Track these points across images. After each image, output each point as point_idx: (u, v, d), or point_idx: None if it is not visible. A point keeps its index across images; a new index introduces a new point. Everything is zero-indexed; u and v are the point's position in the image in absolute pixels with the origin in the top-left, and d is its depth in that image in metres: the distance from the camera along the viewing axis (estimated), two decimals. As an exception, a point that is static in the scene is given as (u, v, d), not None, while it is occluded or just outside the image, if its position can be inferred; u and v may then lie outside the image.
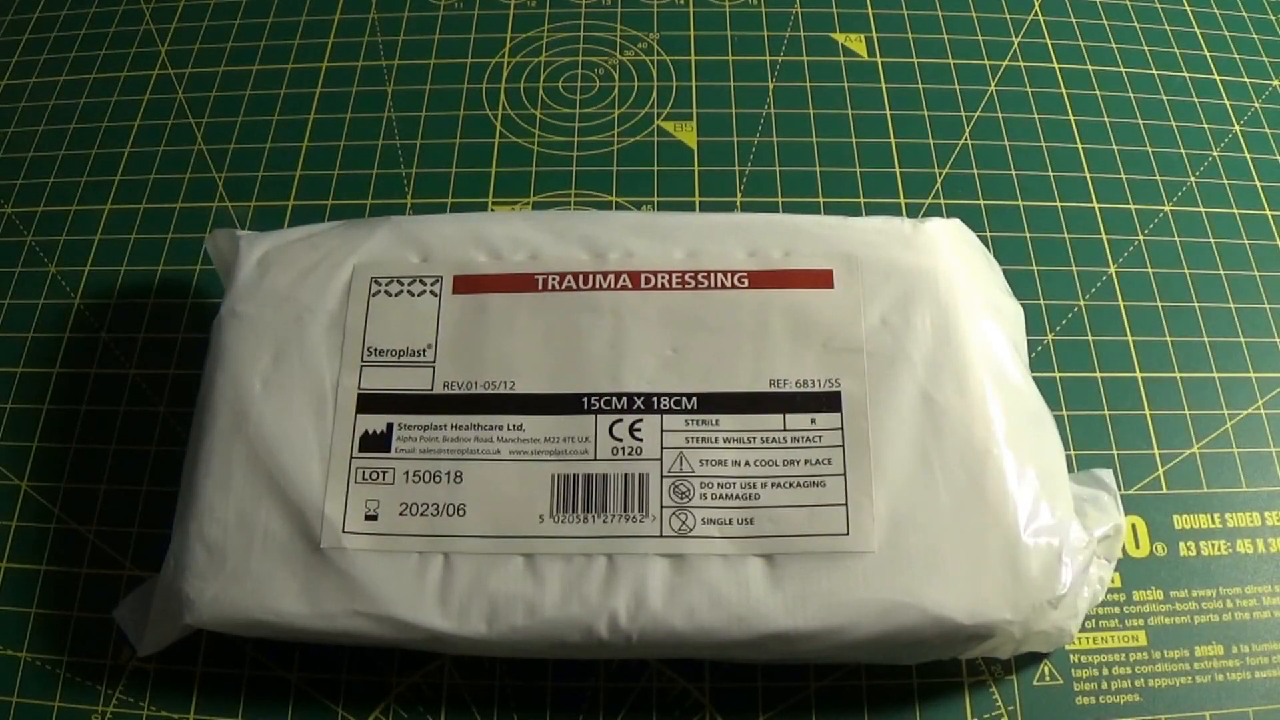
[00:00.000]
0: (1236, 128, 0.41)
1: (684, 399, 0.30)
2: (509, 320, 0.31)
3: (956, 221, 0.33)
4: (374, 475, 0.29)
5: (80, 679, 0.31)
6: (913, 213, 0.39)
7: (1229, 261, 0.38)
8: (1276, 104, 0.42)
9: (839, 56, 0.44)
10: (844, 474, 0.29)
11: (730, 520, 0.29)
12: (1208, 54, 0.44)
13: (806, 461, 0.29)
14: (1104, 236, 0.38)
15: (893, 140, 0.41)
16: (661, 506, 0.29)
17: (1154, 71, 0.43)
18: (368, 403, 0.30)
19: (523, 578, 0.28)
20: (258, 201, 0.40)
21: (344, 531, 0.29)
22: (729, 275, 0.32)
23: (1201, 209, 0.39)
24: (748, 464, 0.29)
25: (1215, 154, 0.41)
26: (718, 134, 0.41)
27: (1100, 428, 0.34)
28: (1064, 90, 0.42)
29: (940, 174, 0.40)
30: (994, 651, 0.29)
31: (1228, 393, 0.35)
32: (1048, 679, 0.30)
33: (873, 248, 0.32)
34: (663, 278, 0.32)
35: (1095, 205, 0.39)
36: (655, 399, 0.30)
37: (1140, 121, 0.41)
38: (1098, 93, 0.42)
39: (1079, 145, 0.41)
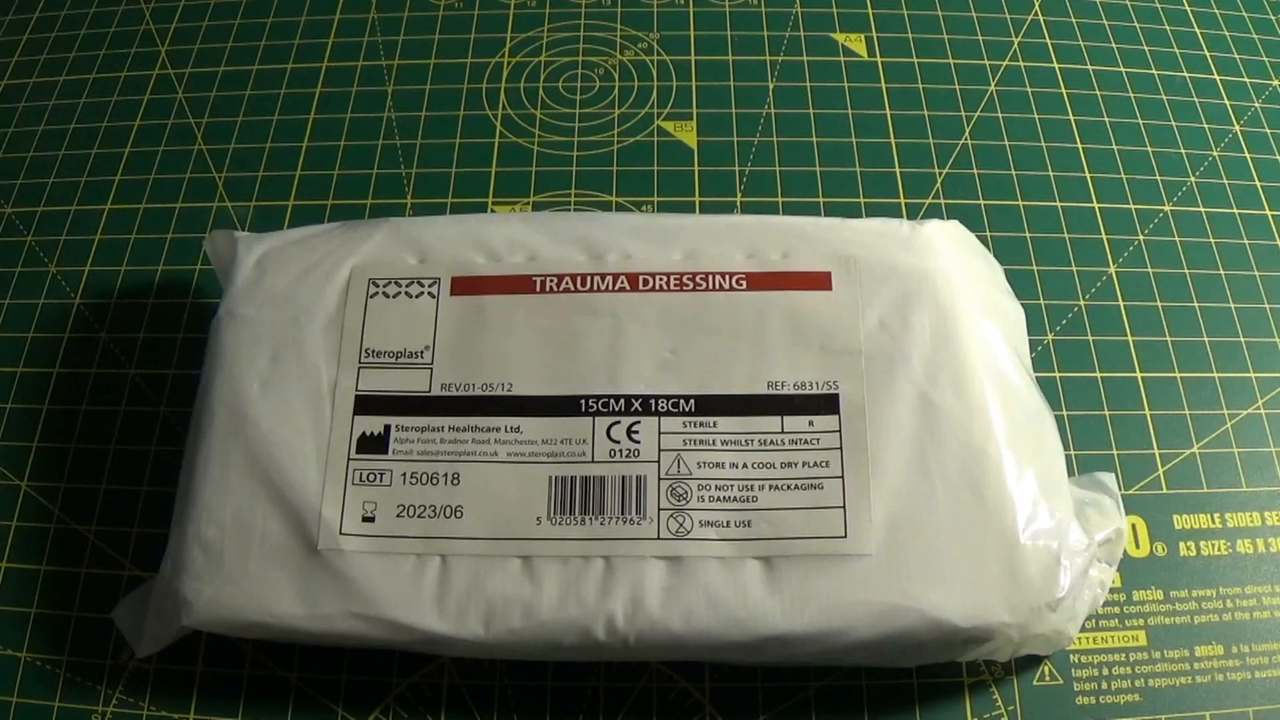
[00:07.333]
0: (1236, 128, 0.41)
1: (682, 401, 0.30)
2: (507, 322, 0.31)
3: (955, 223, 0.33)
4: (371, 477, 0.29)
5: (80, 679, 0.31)
6: (913, 213, 0.39)
7: (1229, 261, 0.38)
8: (1276, 104, 0.42)
9: (839, 56, 0.43)
10: (842, 476, 0.29)
11: (728, 523, 0.29)
12: (1208, 54, 0.44)
13: (804, 464, 0.29)
14: (1104, 236, 0.38)
15: (893, 140, 0.41)
16: (659, 509, 0.29)
17: (1154, 71, 0.43)
18: (365, 404, 0.30)
19: (520, 580, 0.28)
20: (258, 201, 0.40)
21: (341, 533, 0.29)
22: (727, 277, 0.32)
23: (1201, 209, 0.39)
24: (745, 466, 0.29)
25: (1215, 154, 0.41)
26: (718, 134, 0.41)
27: (1100, 428, 0.34)
28: (1064, 90, 0.42)
29: (940, 174, 0.40)
30: (992, 654, 0.29)
31: (1228, 393, 0.35)
32: (1048, 679, 0.30)
33: (871, 249, 0.32)
34: (661, 279, 0.32)
35: (1095, 205, 0.39)
36: (653, 401, 0.30)
37: (1140, 121, 0.41)
38: (1098, 93, 0.42)
39: (1079, 145, 0.41)
